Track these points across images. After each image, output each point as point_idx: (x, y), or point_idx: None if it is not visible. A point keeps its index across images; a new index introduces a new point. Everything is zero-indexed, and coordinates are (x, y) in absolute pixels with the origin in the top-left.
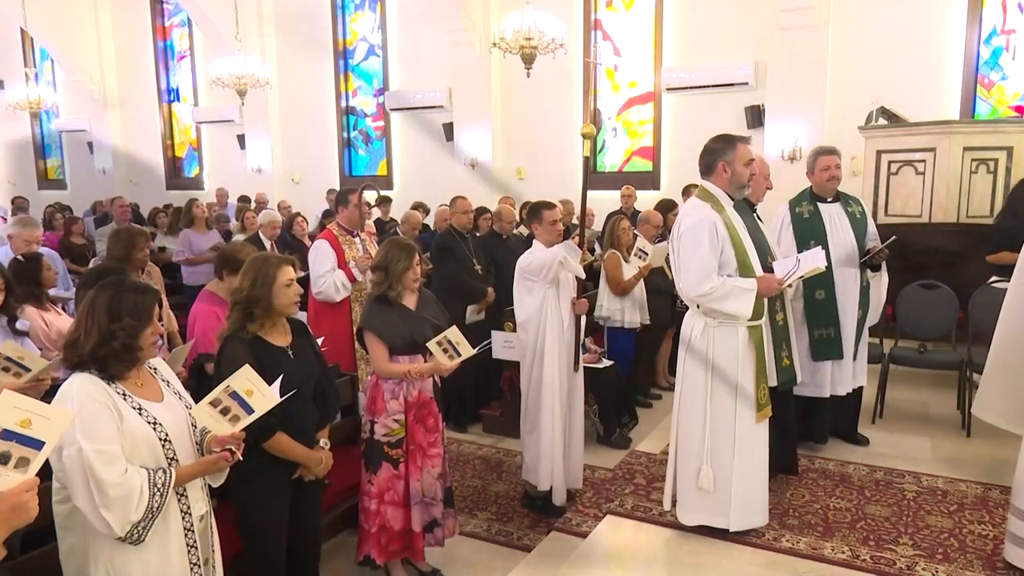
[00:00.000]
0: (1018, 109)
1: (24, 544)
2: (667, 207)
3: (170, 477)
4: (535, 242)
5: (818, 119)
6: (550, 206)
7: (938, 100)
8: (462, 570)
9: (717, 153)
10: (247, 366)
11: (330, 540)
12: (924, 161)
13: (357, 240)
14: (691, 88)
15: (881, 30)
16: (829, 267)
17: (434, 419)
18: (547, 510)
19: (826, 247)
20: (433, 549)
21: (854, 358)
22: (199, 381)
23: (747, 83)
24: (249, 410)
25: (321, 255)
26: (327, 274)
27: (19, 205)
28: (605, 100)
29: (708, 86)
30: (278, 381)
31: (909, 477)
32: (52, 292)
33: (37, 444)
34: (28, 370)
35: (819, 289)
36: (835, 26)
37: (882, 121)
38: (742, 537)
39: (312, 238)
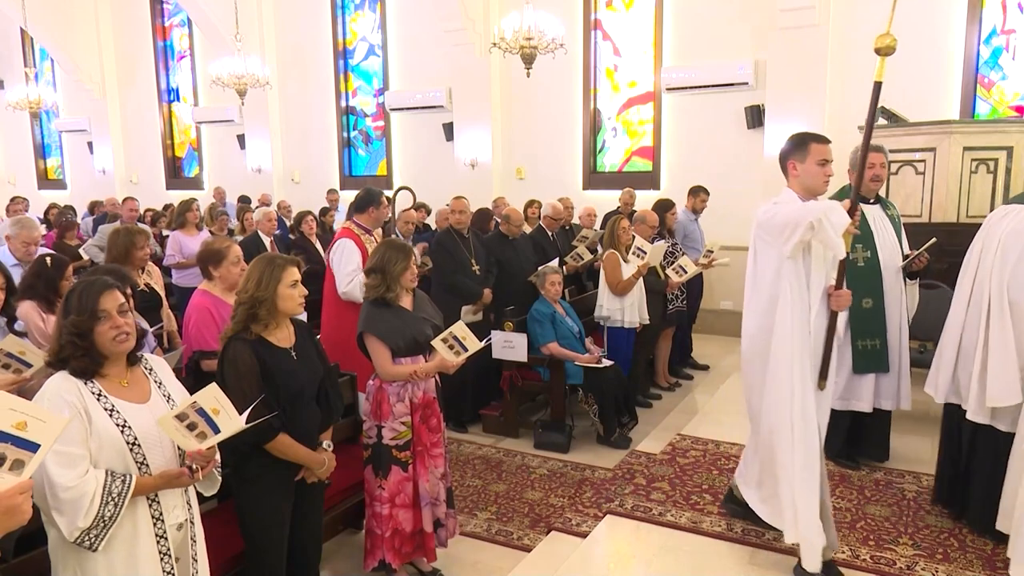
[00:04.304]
0: (1018, 109)
1: (18, 546)
2: (664, 207)
3: (128, 487)
4: (784, 191)
5: (818, 119)
6: (822, 139)
7: (938, 100)
8: (462, 570)
9: None
10: (214, 384)
11: (330, 539)
12: (924, 161)
13: (373, 239)
14: (691, 88)
15: (881, 30)
16: (878, 274)
17: (437, 419)
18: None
19: (873, 250)
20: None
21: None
22: (196, 378)
23: (747, 83)
24: (216, 429)
25: (347, 254)
26: (354, 274)
27: (17, 204)
28: (605, 100)
29: (708, 86)
30: (248, 411)
31: (909, 477)
32: None
33: (32, 447)
34: (29, 365)
35: (867, 297)
36: (835, 26)
37: (882, 121)
38: (742, 537)
39: (319, 237)
